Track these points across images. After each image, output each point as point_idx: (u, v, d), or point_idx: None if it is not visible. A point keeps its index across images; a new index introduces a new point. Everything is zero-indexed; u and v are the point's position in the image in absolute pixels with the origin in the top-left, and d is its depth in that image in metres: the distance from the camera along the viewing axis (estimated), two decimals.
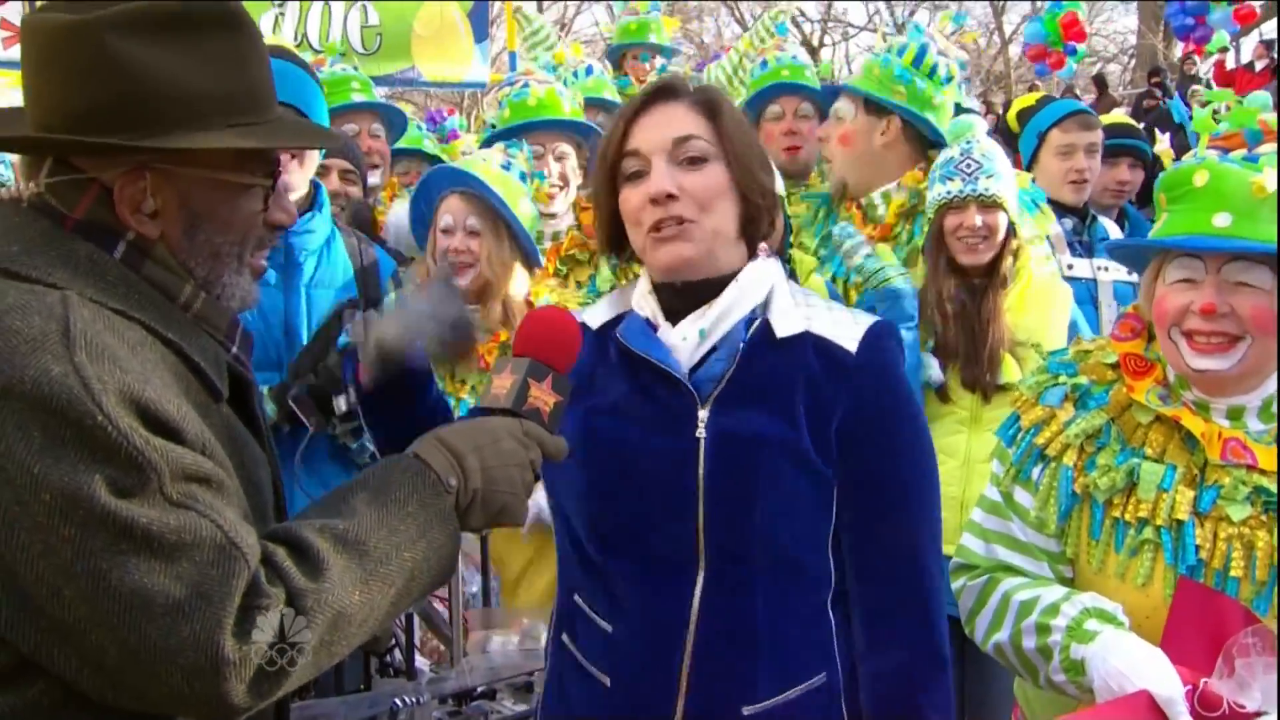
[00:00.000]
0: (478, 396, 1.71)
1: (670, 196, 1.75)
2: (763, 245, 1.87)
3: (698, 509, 1.74)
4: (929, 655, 1.78)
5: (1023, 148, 4.30)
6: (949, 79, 3.66)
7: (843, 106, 3.72)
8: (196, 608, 1.22)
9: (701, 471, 1.74)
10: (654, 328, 1.84)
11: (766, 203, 1.83)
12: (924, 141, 3.64)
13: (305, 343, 2.81)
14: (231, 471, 1.39)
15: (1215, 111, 3.44)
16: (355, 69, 4.46)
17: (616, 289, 2.01)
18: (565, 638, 1.89)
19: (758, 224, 1.83)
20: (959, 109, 3.85)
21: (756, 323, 1.81)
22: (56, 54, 1.39)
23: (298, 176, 2.88)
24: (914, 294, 3.19)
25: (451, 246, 3.06)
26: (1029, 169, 4.21)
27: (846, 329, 1.81)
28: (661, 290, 1.85)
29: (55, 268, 1.34)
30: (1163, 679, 1.78)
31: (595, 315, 1.93)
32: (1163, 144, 2.01)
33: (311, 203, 2.94)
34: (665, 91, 1.83)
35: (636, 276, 3.02)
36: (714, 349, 1.80)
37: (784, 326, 1.80)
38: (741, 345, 1.79)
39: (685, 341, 1.80)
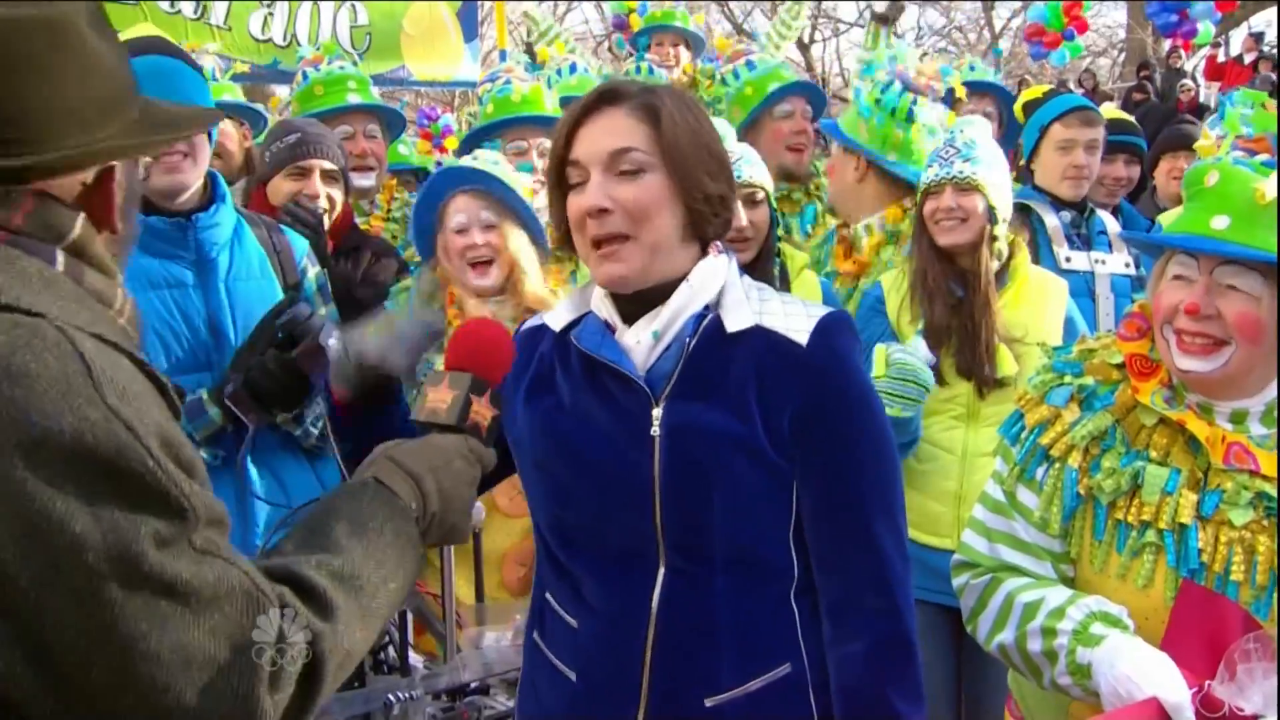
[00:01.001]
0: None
1: (604, 211, 1.74)
2: (715, 243, 1.85)
3: (655, 505, 1.75)
4: (894, 643, 1.77)
5: (1025, 140, 4.29)
6: (916, 116, 3.64)
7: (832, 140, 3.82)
8: (234, 662, 1.17)
9: (657, 468, 1.75)
10: (612, 329, 1.83)
11: (712, 207, 1.80)
12: (899, 178, 3.65)
13: (232, 339, 2.78)
14: None
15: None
16: (354, 66, 4.40)
17: (576, 290, 1.99)
18: (536, 635, 1.92)
19: (703, 227, 1.81)
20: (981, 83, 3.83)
21: (707, 319, 1.80)
22: (34, 51, 1.25)
23: (193, 174, 2.80)
24: (918, 422, 3.09)
25: (469, 243, 3.04)
26: (1029, 162, 4.22)
27: (798, 321, 1.79)
28: (615, 295, 1.84)
29: (14, 287, 1.19)
30: (1171, 685, 1.78)
31: (556, 317, 1.92)
32: (1210, 139, 1.99)
33: (212, 196, 2.87)
34: (607, 97, 1.79)
35: None
36: (667, 348, 1.79)
37: (734, 321, 1.79)
38: (688, 340, 1.78)
39: (639, 344, 1.80)
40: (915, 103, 3.63)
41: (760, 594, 1.79)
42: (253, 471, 2.79)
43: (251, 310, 2.78)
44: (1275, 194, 1.92)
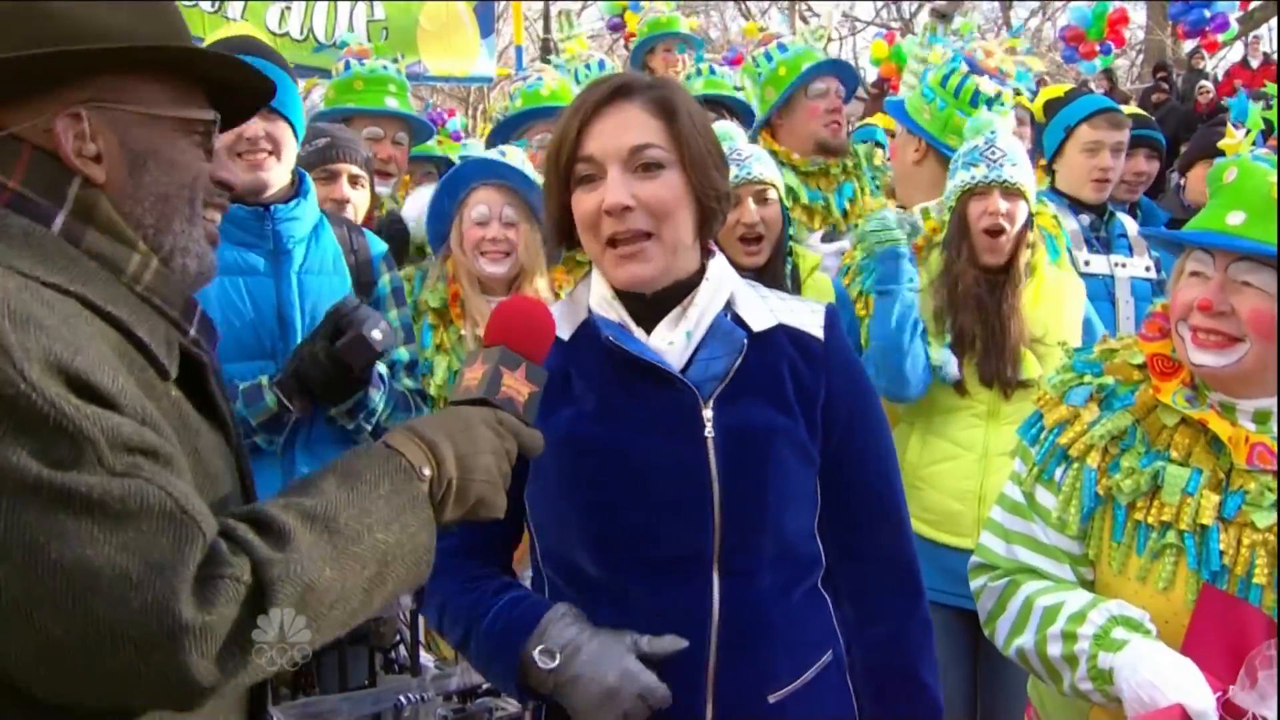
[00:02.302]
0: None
1: (626, 209, 1.72)
2: (710, 242, 1.86)
3: (713, 508, 1.73)
4: (921, 622, 1.89)
5: (1047, 140, 4.25)
6: (989, 100, 3.58)
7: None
8: (146, 578, 1.14)
9: (715, 470, 1.73)
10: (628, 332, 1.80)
11: (722, 206, 1.81)
12: None
13: (299, 330, 2.83)
14: (181, 452, 1.29)
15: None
16: (395, 67, 4.38)
17: (565, 297, 1.96)
18: None
19: (712, 225, 1.82)
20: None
21: (729, 316, 1.83)
22: None
23: (277, 171, 2.86)
24: (912, 257, 3.18)
25: (488, 236, 3.08)
26: (1052, 162, 4.18)
27: (806, 317, 1.87)
28: (626, 296, 1.81)
29: None
30: (1195, 691, 1.75)
31: (559, 326, 1.85)
32: (1235, 137, 1.95)
33: (296, 191, 2.92)
34: (621, 91, 1.77)
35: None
36: (698, 348, 1.79)
37: (756, 321, 1.83)
38: (745, 343, 1.79)
39: (673, 346, 1.78)
40: (980, 89, 3.58)
41: (800, 586, 1.83)
42: (301, 461, 2.82)
43: (320, 304, 2.84)
44: None
